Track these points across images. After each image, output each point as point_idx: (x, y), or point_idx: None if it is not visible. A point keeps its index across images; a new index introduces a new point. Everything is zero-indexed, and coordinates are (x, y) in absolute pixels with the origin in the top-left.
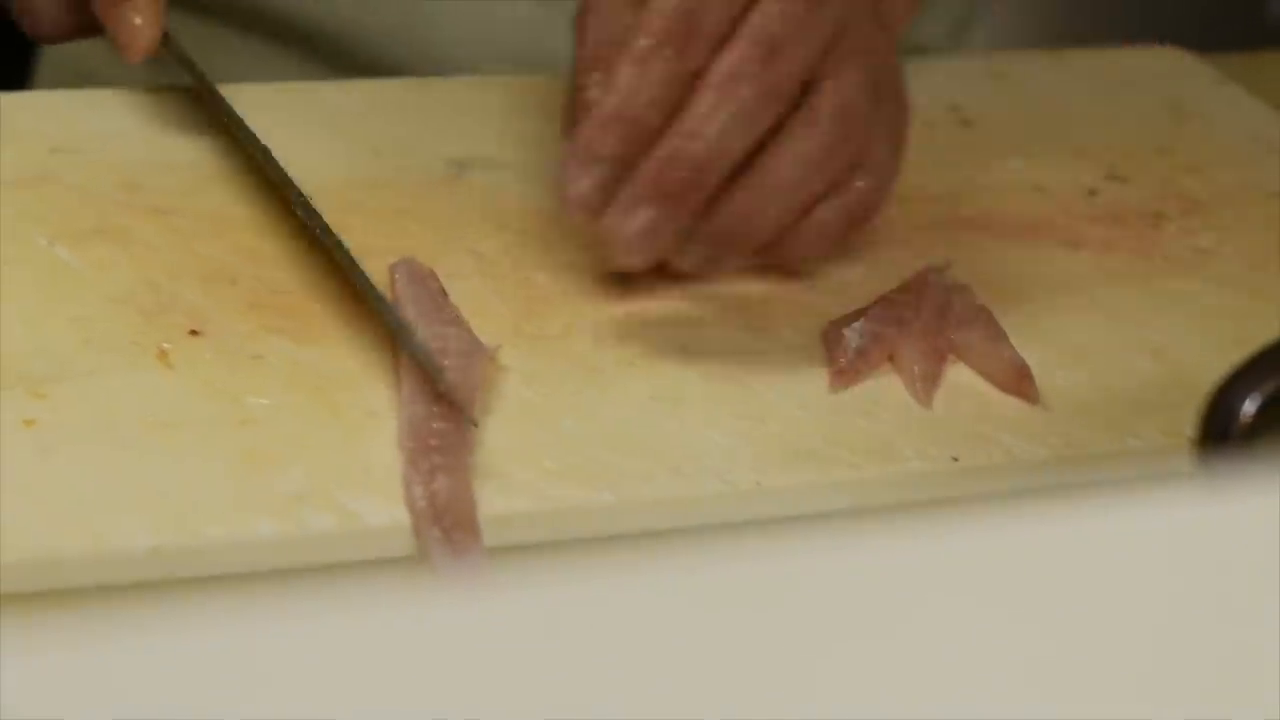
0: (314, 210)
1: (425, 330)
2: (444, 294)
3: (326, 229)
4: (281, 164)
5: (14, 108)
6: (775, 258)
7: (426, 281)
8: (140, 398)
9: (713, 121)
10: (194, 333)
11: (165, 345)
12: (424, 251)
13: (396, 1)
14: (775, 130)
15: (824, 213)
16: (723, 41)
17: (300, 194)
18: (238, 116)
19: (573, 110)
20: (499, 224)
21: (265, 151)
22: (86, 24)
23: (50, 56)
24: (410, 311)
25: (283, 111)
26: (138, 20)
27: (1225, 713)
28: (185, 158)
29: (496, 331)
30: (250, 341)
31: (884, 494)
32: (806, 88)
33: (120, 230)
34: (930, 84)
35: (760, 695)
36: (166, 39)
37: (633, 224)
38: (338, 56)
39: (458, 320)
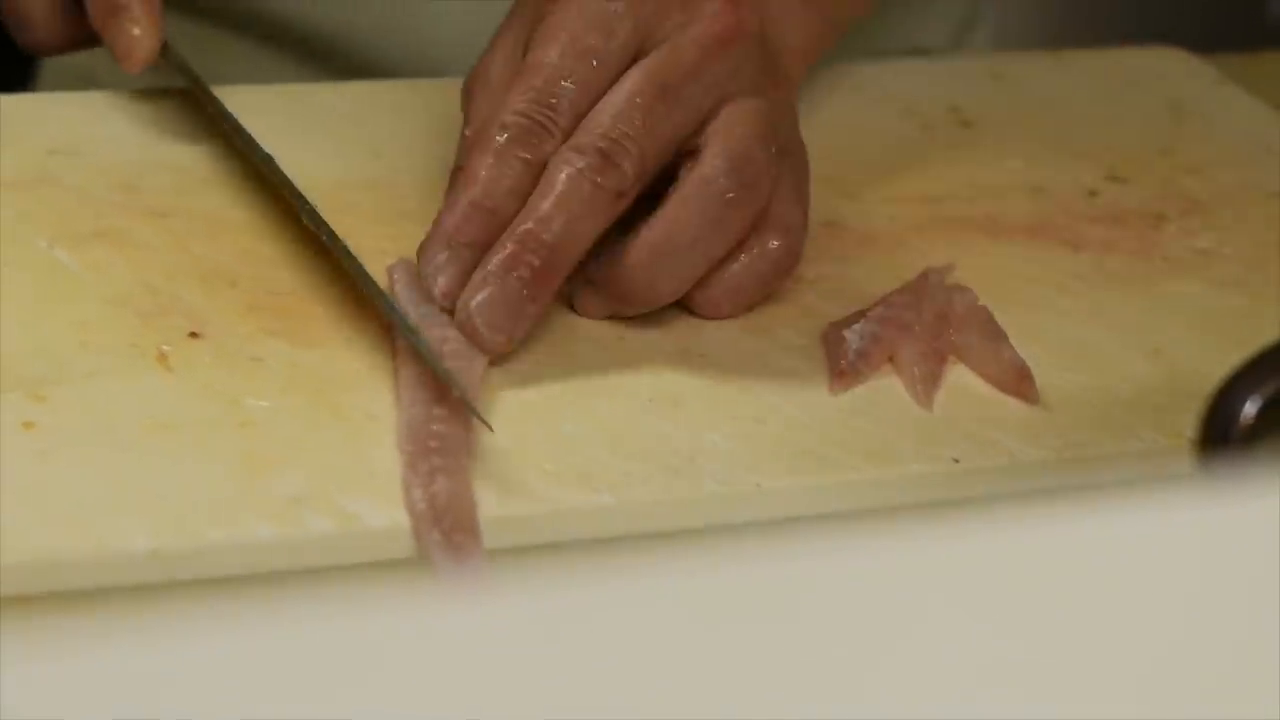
0: (318, 215)
1: (424, 333)
2: None
3: (332, 235)
4: (281, 166)
5: (12, 110)
6: (690, 309)
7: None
8: (139, 400)
9: (558, 214)
10: (193, 335)
11: (164, 347)
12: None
13: (390, 4)
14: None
15: (735, 274)
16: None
17: (303, 198)
18: (236, 121)
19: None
20: None
21: (267, 158)
22: (83, 35)
23: (53, 60)
24: (409, 314)
25: (281, 114)
26: (136, 31)
27: (1226, 713)
28: (183, 160)
29: None
30: (249, 344)
31: (884, 496)
32: (699, 143)
33: (119, 232)
34: (930, 85)
35: (760, 697)
36: (165, 48)
37: (483, 306)
38: (332, 59)
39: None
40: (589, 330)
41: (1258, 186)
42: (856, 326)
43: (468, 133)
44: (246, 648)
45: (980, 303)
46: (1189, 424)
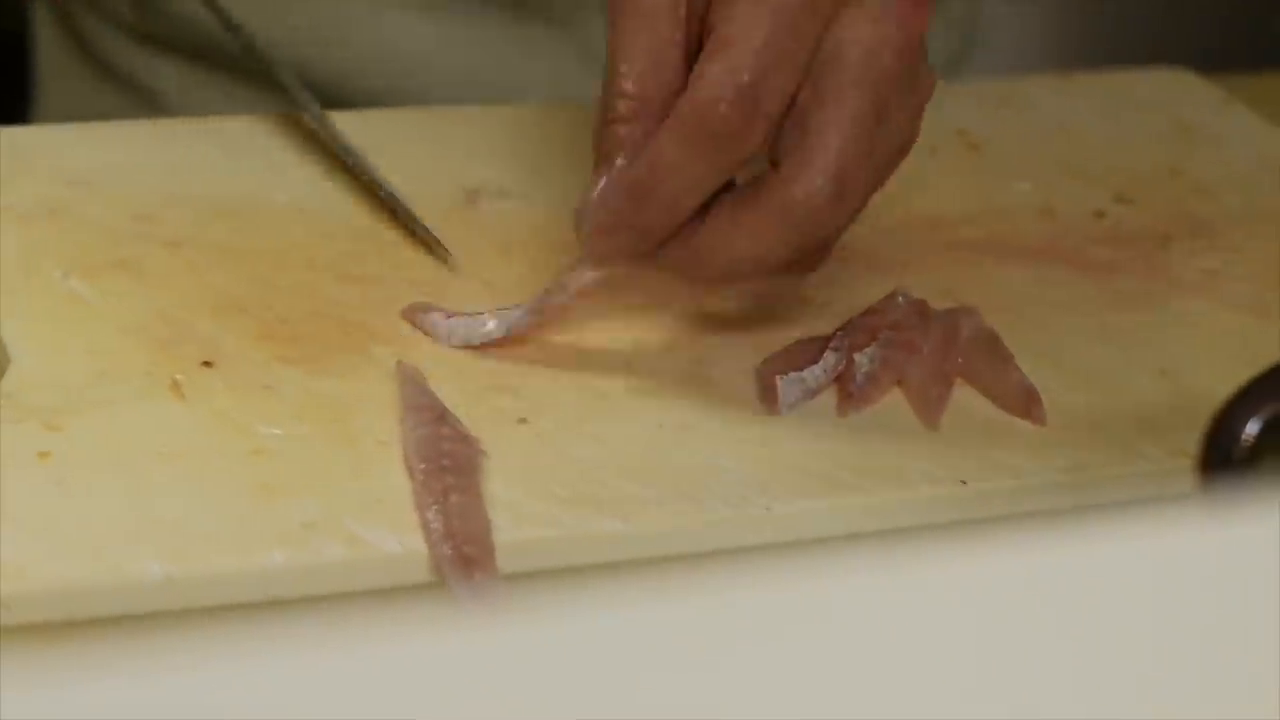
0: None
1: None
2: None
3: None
4: (293, 194)
5: (26, 141)
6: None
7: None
8: (153, 429)
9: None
10: (206, 364)
11: (178, 376)
12: (435, 280)
13: (366, 39)
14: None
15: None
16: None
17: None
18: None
19: (602, 132)
20: (510, 253)
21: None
22: None
23: (50, 93)
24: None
25: (293, 142)
26: None
27: None
28: (196, 189)
29: (507, 360)
30: (262, 372)
31: (893, 517)
32: None
33: (133, 262)
34: (938, 108)
35: (770, 718)
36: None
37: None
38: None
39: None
40: (598, 356)
41: (1265, 207)
42: (868, 350)
43: (619, 68)
44: (259, 675)
45: (988, 325)
46: (1196, 444)
